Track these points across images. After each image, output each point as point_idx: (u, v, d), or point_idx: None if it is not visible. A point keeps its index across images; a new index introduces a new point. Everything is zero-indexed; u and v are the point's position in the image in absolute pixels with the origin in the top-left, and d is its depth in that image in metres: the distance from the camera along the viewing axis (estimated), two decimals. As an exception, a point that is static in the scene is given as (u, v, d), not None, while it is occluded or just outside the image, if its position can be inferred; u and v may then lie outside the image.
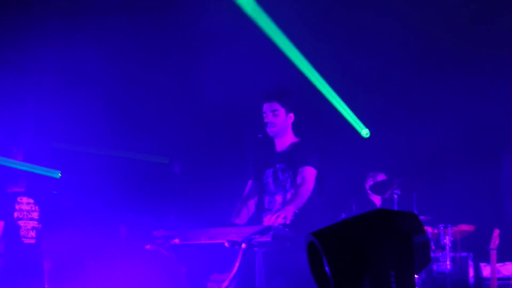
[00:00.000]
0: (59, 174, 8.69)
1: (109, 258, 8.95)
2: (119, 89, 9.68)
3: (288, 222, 5.05)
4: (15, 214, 7.78)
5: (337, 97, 9.32)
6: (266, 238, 4.80)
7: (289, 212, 5.12)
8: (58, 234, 8.15)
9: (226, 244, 4.78)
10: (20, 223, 7.78)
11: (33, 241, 7.86)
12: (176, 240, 5.11)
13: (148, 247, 5.20)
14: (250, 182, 5.92)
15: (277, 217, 5.04)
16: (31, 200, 7.92)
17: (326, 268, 2.28)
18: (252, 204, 5.83)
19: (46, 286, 8.04)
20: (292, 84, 8.68)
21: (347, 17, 9.01)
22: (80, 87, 9.54)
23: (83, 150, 10.16)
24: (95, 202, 9.71)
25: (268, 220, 5.07)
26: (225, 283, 4.90)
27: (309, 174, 5.51)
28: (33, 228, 7.86)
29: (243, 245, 4.73)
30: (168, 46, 9.44)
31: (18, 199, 7.85)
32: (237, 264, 4.76)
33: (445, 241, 8.73)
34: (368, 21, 8.94)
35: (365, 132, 9.93)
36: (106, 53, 9.10)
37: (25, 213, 7.83)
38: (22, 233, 7.78)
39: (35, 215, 7.91)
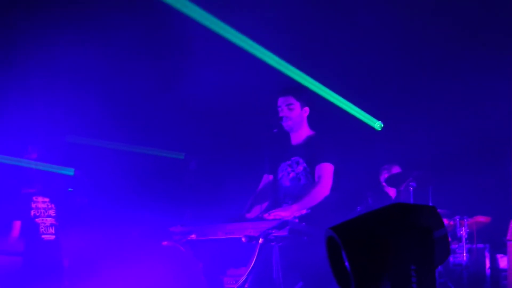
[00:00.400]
0: (73, 172, 8.71)
1: (126, 254, 8.97)
2: (133, 85, 9.69)
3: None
4: (32, 213, 7.81)
5: (336, 95, 9.33)
6: (283, 233, 4.81)
7: (291, 212, 5.12)
8: (75, 231, 8.18)
9: (243, 239, 4.80)
10: (38, 220, 7.81)
11: (52, 237, 7.89)
12: (193, 236, 5.12)
13: (165, 243, 5.22)
14: (265, 176, 5.93)
15: (275, 215, 5.06)
16: (46, 199, 7.96)
17: (346, 263, 2.28)
18: (265, 198, 5.83)
19: (66, 283, 8.08)
20: (303, 81, 8.70)
21: (356, 12, 9.02)
22: (94, 83, 9.57)
23: (97, 146, 10.17)
24: (111, 199, 9.73)
25: (268, 216, 5.08)
26: (242, 278, 4.92)
27: (327, 171, 5.50)
28: (52, 224, 7.89)
29: (260, 240, 4.74)
30: (181, 42, 9.45)
31: (34, 198, 7.89)
32: (254, 259, 4.77)
33: (461, 232, 8.71)
34: (378, 16, 8.93)
35: (378, 125, 9.92)
36: (119, 49, 9.13)
37: (42, 210, 7.87)
38: (41, 230, 7.81)
39: (52, 212, 7.94)
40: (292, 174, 5.70)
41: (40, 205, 7.87)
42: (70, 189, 8.70)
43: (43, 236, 7.82)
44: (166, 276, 8.19)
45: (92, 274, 8.52)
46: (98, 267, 8.71)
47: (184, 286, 8.18)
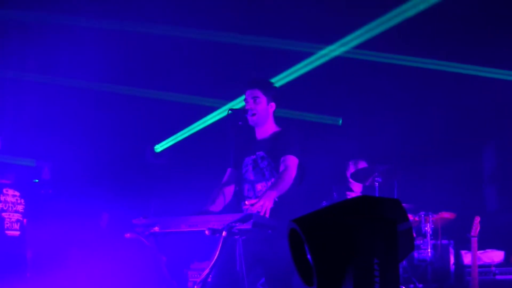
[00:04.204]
0: (34, 163, 8.61)
1: (90, 246, 8.90)
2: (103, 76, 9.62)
3: (267, 215, 5.00)
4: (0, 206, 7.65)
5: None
6: (247, 226, 4.76)
7: (271, 198, 5.08)
8: (41, 223, 8.07)
9: (207, 232, 4.74)
10: (4, 215, 7.64)
11: (17, 233, 7.72)
12: (156, 228, 5.05)
13: (127, 235, 5.15)
14: (229, 170, 5.89)
15: (256, 204, 4.99)
16: (17, 193, 7.79)
17: (308, 256, 2.24)
18: (229, 191, 5.79)
19: (27, 274, 7.95)
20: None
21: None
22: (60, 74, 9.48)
23: (64, 136, 10.05)
24: (76, 191, 9.63)
25: (249, 204, 5.02)
26: (205, 271, 4.87)
27: (292, 162, 5.48)
28: (17, 220, 7.73)
29: (224, 233, 4.69)
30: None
31: (4, 190, 7.71)
32: (217, 252, 4.72)
33: (426, 228, 8.75)
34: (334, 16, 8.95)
35: (339, 121, 10.08)
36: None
37: (10, 205, 7.69)
38: (6, 225, 7.64)
39: (20, 208, 7.77)
40: (256, 169, 5.66)
41: (9, 199, 7.70)
42: (36, 180, 8.60)
43: (6, 232, 7.65)
44: (128, 269, 8.13)
45: (55, 266, 8.43)
46: (61, 258, 8.63)
47: (147, 279, 8.13)
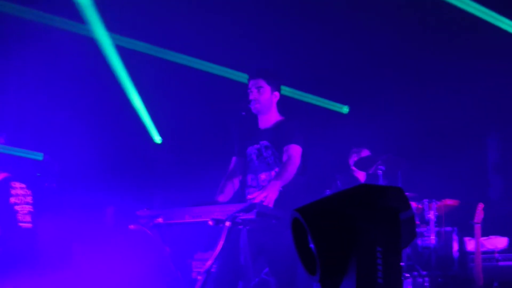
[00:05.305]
0: (42, 156, 8.61)
1: (95, 239, 8.91)
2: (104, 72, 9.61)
3: (271, 205, 5.00)
4: (12, 200, 7.65)
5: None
6: (250, 216, 4.77)
7: (275, 189, 5.09)
8: (45, 217, 8.08)
9: (210, 223, 4.75)
10: (17, 208, 7.65)
11: (29, 225, 7.74)
12: (160, 219, 5.07)
13: (131, 227, 5.16)
14: (234, 159, 5.91)
15: (260, 194, 5.00)
16: (24, 185, 7.80)
17: (311, 245, 2.24)
18: (236, 180, 5.81)
19: (38, 269, 7.97)
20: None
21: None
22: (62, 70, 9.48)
23: (66, 130, 10.06)
24: (80, 184, 9.65)
25: (252, 196, 5.04)
26: (209, 262, 4.88)
27: (295, 151, 5.49)
28: (29, 212, 7.74)
29: (227, 223, 4.70)
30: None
31: (12, 184, 7.72)
32: (221, 243, 4.73)
33: (429, 215, 8.76)
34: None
35: (345, 109, 10.05)
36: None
37: (21, 197, 7.70)
38: (19, 217, 7.65)
39: (30, 199, 7.78)
40: (260, 158, 5.68)
41: (19, 192, 7.71)
42: (38, 174, 8.60)
43: (20, 224, 7.66)
44: (133, 260, 8.15)
45: (60, 259, 8.45)
46: (65, 251, 8.65)
47: (151, 270, 8.15)
